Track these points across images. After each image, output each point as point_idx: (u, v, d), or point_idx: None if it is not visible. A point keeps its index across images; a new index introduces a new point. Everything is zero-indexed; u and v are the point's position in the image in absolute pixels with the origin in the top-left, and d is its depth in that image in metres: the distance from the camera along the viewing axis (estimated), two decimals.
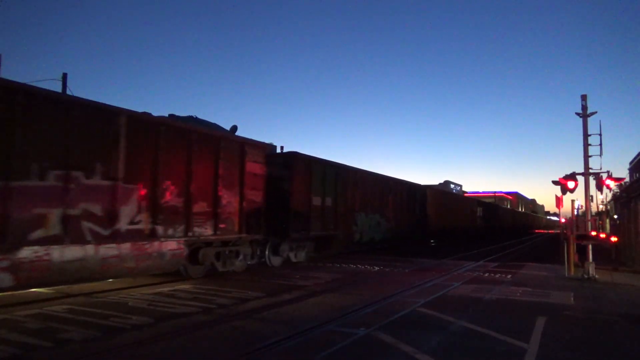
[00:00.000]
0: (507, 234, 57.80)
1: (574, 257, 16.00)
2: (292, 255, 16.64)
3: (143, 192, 10.41)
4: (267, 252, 15.59)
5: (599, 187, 16.80)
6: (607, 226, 33.84)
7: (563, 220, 19.12)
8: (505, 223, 63.03)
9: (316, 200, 17.42)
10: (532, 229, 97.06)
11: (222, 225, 12.57)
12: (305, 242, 17.25)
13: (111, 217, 9.67)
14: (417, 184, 30.86)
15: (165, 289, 10.95)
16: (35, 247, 8.34)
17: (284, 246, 16.13)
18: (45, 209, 8.52)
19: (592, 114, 16.10)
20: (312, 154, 19.07)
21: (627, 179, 33.12)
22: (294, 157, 16.77)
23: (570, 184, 16.00)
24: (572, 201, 21.43)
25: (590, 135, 16.07)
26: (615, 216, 32.42)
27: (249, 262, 14.51)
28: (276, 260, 15.95)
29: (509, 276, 15.12)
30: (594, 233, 16.08)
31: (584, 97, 16.23)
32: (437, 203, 32.77)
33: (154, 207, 10.64)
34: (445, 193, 40.67)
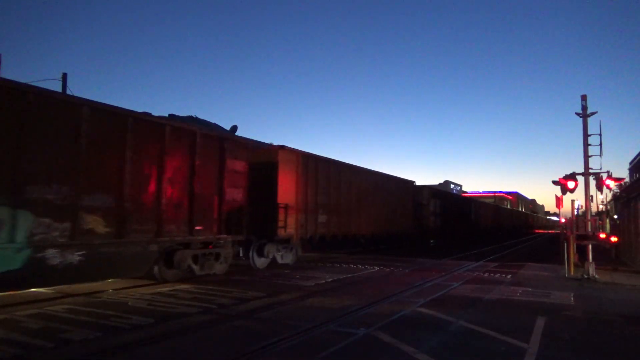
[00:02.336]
0: (489, 238, 44.23)
1: (574, 257, 16.00)
2: None
3: None
4: None
5: (599, 187, 16.81)
6: (607, 226, 33.81)
7: (563, 220, 19.13)
8: (485, 223, 48.84)
9: None
10: (530, 230, 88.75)
11: None
12: None
13: None
14: (248, 142, 15.59)
15: (165, 289, 10.95)
16: None
17: None
18: None
19: (592, 114, 16.12)
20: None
21: (627, 179, 33.12)
22: None
23: (571, 184, 16.02)
24: (572, 201, 21.44)
25: (590, 135, 16.09)
26: (615, 216, 32.39)
27: None
28: None
29: (509, 276, 15.12)
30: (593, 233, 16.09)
31: (584, 97, 16.26)
32: (314, 184, 17.57)
33: None
34: (338, 167, 19.88)
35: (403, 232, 26.84)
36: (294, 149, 16.88)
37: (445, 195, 38.21)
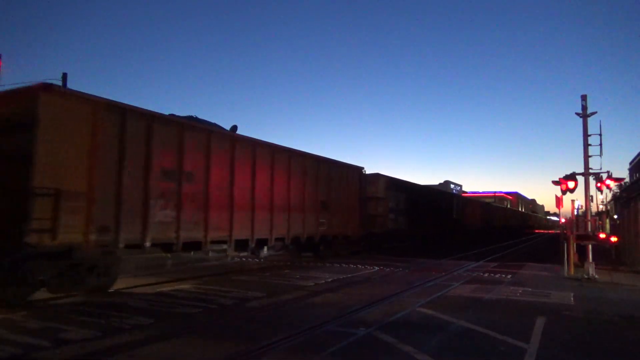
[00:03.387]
0: (479, 240, 37.94)
1: (574, 257, 16.01)
2: None
3: None
4: None
5: (599, 187, 16.83)
6: (607, 226, 33.82)
7: (563, 220, 19.14)
8: (473, 223, 43.12)
9: None
10: (529, 230, 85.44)
11: None
12: None
13: None
14: None
15: (166, 288, 10.96)
16: None
17: None
18: None
19: (592, 114, 16.14)
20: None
21: (627, 179, 33.15)
22: None
23: (570, 184, 16.03)
24: (572, 201, 21.46)
25: (590, 135, 16.12)
26: (615, 216, 32.42)
27: None
28: None
29: (509, 276, 15.12)
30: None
31: (584, 97, 16.28)
32: (142, 158, 10.52)
33: None
34: (202, 134, 12.44)
35: (342, 234, 19.86)
36: (84, 94, 9.64)
37: (412, 189, 29.46)
